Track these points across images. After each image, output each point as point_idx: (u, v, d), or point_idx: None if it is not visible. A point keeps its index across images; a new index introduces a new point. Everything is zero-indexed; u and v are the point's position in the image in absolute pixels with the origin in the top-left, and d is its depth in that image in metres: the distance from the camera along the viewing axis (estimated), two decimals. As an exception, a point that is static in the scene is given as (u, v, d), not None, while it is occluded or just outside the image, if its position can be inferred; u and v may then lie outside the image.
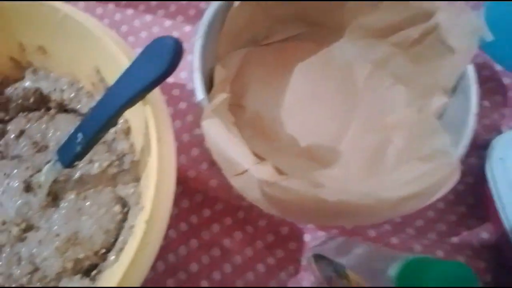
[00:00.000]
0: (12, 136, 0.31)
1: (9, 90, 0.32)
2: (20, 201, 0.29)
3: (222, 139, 0.27)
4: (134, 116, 0.29)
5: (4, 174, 0.29)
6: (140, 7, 0.41)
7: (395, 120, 0.37)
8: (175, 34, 0.41)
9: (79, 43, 0.28)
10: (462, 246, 0.35)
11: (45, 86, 0.32)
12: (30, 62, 0.32)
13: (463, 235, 0.36)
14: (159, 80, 0.22)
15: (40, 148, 0.31)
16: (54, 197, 0.29)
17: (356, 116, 0.38)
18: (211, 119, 0.27)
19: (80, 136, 0.25)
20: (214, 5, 0.32)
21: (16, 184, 0.29)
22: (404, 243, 0.34)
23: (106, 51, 0.26)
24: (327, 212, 0.26)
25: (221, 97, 0.29)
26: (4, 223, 0.29)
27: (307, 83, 0.39)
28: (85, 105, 0.32)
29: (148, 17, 0.41)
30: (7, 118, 0.32)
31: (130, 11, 0.41)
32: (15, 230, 0.28)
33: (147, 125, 0.24)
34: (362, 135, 0.37)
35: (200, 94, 0.30)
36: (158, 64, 0.21)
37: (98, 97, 0.32)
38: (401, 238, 0.34)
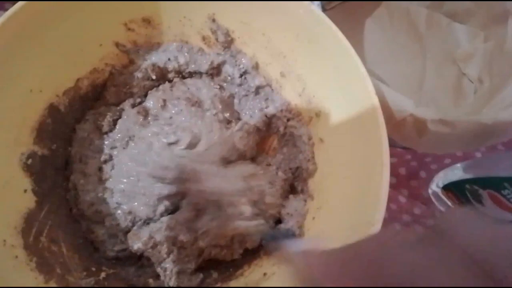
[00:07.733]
0: (159, 105, 0.29)
1: (125, 77, 0.30)
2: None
3: (380, 90, 0.28)
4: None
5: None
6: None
7: (463, 53, 0.41)
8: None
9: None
10: None
11: (158, 59, 0.30)
12: (134, 41, 0.30)
13: None
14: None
15: (194, 103, 0.29)
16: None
17: (428, 57, 0.41)
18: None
19: None
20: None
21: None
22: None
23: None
24: (482, 135, 0.29)
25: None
26: None
27: (379, 36, 0.41)
28: (201, 64, 0.31)
29: None
30: (138, 101, 0.30)
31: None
32: None
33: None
34: (438, 73, 0.41)
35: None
36: None
37: (209, 50, 0.31)
38: None
